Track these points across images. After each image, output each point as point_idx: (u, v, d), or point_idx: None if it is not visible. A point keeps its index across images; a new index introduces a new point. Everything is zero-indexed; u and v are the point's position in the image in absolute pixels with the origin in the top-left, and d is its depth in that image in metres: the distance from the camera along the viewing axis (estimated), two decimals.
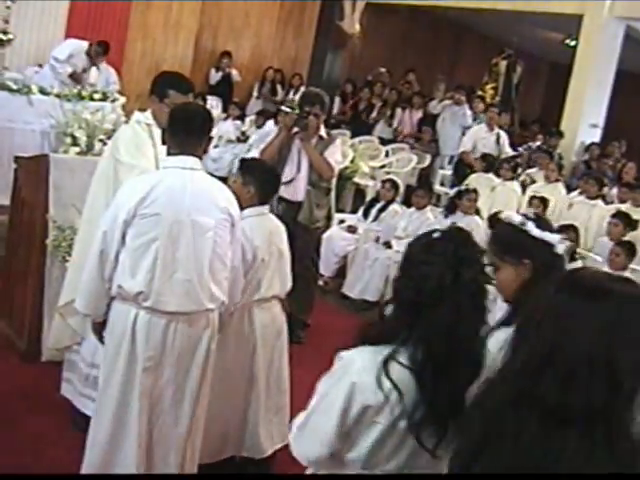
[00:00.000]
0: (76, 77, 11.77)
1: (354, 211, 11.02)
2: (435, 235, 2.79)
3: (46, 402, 5.57)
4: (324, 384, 2.75)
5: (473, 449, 2.02)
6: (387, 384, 2.61)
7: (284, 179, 6.93)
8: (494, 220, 8.69)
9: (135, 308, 4.19)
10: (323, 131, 7.31)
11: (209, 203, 4.28)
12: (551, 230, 3.32)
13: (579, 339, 1.84)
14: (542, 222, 3.36)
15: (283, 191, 6.96)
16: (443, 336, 2.62)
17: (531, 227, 3.24)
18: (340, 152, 7.62)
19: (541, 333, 1.92)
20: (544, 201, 10.21)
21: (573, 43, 16.70)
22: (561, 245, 3.25)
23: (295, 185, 7.26)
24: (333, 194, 7.88)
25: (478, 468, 1.97)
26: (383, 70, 17.45)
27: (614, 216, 9.52)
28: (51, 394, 5.56)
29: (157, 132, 5.04)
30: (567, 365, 1.83)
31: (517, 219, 3.30)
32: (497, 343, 2.70)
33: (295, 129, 7.14)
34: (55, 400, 5.49)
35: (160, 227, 4.12)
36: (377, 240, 9.91)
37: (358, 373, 2.65)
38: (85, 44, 12.24)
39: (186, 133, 4.27)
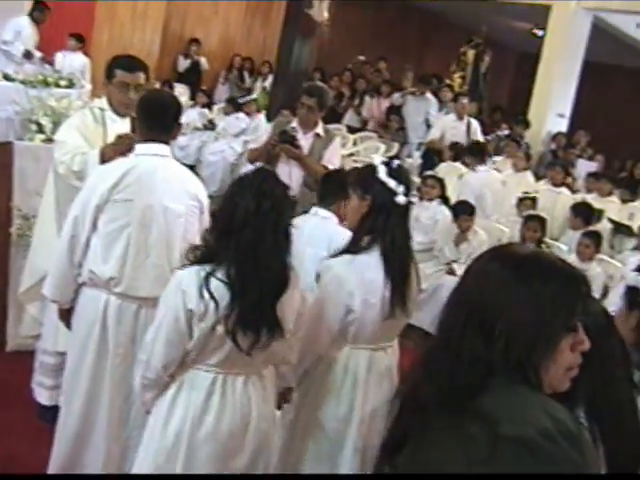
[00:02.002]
0: (28, 55, 11.81)
1: None
2: (245, 173, 3.44)
3: (11, 393, 5.51)
4: (164, 299, 3.33)
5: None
6: (207, 295, 3.17)
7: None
8: (458, 208, 8.83)
9: (106, 294, 4.22)
10: (321, 128, 7.00)
11: (179, 190, 4.30)
12: (402, 181, 3.76)
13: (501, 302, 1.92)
14: (399, 171, 3.81)
15: None
16: (248, 255, 3.20)
17: (382, 170, 3.74)
18: (338, 152, 7.34)
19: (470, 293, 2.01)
20: (534, 200, 10.23)
21: (541, 33, 16.76)
22: (402, 197, 3.71)
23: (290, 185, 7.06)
24: None
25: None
26: (363, 58, 17.37)
27: (573, 208, 9.56)
28: (15, 385, 5.50)
29: (110, 116, 5.13)
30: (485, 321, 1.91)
31: (377, 161, 3.86)
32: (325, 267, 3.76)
33: (282, 146, 6.89)
34: (20, 391, 5.42)
35: (133, 213, 4.16)
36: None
37: (186, 285, 3.22)
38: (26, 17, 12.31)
39: (157, 120, 4.28)
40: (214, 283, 3.19)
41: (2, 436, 5.06)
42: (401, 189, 3.73)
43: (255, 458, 3.49)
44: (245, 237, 3.20)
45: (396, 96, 15.29)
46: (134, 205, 4.14)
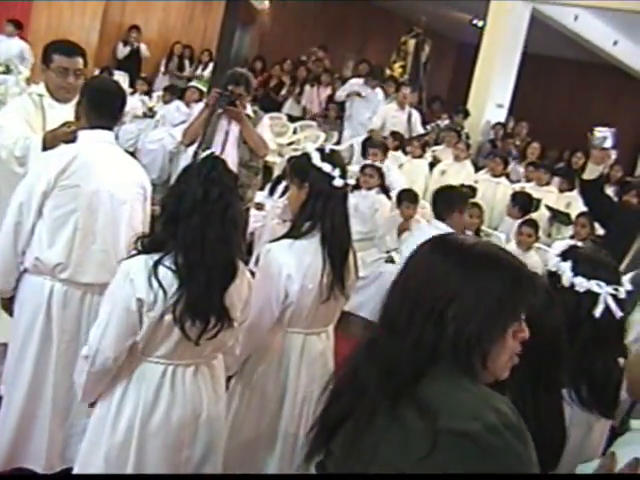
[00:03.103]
0: None
1: (261, 188, 10.99)
2: (194, 160, 3.48)
3: None
4: (112, 291, 3.26)
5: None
6: (155, 284, 3.13)
7: None
8: (401, 196, 8.87)
9: (50, 281, 4.18)
10: (249, 109, 7.11)
11: (124, 176, 4.31)
12: (337, 165, 3.83)
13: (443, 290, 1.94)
14: (332, 156, 3.89)
15: None
16: (196, 242, 3.18)
17: (316, 157, 3.82)
18: (268, 129, 7.47)
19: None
20: (473, 189, 10.31)
21: (481, 24, 16.87)
22: (338, 180, 3.79)
23: None
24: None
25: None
26: (316, 48, 17.29)
27: (512, 197, 9.64)
28: None
29: (48, 102, 5.08)
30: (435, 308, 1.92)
31: (310, 149, 3.94)
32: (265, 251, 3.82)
33: (220, 109, 6.94)
34: None
35: (79, 199, 4.14)
36: (284, 221, 9.88)
37: (134, 274, 3.17)
38: None
39: (106, 108, 4.27)
40: (162, 271, 3.16)
41: None
42: (337, 172, 3.81)
43: (208, 448, 3.50)
44: (192, 224, 3.19)
45: (341, 95, 15.17)
46: (81, 191, 4.12)
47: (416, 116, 13.82)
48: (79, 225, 4.15)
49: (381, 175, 9.61)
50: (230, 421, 3.97)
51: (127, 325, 3.19)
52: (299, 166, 3.93)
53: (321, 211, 3.79)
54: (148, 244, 3.29)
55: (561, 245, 3.15)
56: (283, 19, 18.25)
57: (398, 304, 2.03)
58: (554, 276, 3.04)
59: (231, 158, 6.88)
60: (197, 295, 3.18)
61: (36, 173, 4.14)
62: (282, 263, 3.75)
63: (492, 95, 14.94)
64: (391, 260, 8.77)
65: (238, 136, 6.99)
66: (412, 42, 15.95)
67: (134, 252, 3.29)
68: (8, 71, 8.88)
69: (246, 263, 6.97)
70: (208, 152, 3.49)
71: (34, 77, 9.52)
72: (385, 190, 9.59)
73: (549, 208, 9.97)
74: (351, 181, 4.12)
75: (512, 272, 1.96)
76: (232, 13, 13.86)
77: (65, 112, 5.06)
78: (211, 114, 6.93)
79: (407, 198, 9.00)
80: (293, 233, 3.84)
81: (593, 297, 3.00)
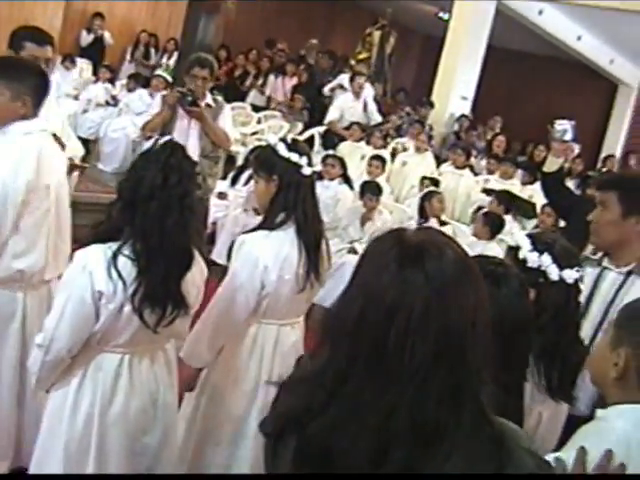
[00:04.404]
0: None
1: (224, 177, 10.96)
2: (152, 146, 3.33)
3: None
4: (66, 282, 3.20)
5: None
6: (115, 275, 3.08)
7: None
8: (364, 187, 8.89)
9: (22, 291, 4.08)
10: (209, 99, 7.07)
11: (64, 165, 4.26)
12: (303, 154, 3.82)
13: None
14: (297, 145, 3.88)
15: None
16: (154, 229, 3.12)
17: (282, 148, 3.79)
18: (230, 120, 7.44)
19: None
20: (435, 182, 10.33)
21: (446, 17, 16.91)
22: (307, 168, 3.79)
23: None
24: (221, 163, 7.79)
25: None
26: (315, 42, 17.22)
27: (484, 216, 9.39)
28: None
29: None
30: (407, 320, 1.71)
31: (272, 140, 3.90)
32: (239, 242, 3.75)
33: (186, 108, 6.89)
34: None
35: (50, 197, 4.01)
36: (247, 210, 9.87)
37: (92, 265, 3.10)
38: None
39: (44, 94, 4.09)
40: (121, 261, 3.11)
41: None
42: (304, 160, 3.81)
43: (165, 433, 3.51)
44: (151, 211, 3.13)
45: (325, 90, 15.08)
46: (50, 189, 4.00)
47: (372, 105, 13.81)
48: (51, 225, 4.05)
49: (343, 165, 9.63)
50: (201, 412, 3.97)
51: (82, 316, 3.13)
52: (265, 159, 3.89)
53: (293, 201, 3.77)
54: (104, 232, 3.23)
55: (520, 237, 3.16)
56: (248, 8, 18.19)
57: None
58: (534, 271, 3.02)
59: (192, 149, 6.89)
60: (155, 283, 3.15)
61: (7, 182, 3.82)
62: (258, 255, 3.72)
63: (456, 87, 14.99)
64: (354, 251, 8.78)
65: (199, 129, 6.95)
66: (377, 34, 15.97)
67: (88, 240, 3.23)
68: None
69: (208, 252, 6.97)
70: (167, 138, 3.45)
71: None
72: (347, 180, 9.61)
73: (515, 197, 9.96)
74: (317, 168, 4.14)
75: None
76: (197, 2, 13.84)
77: None
78: (172, 113, 6.89)
79: (370, 189, 9.02)
80: (267, 225, 3.81)
81: (577, 286, 3.07)
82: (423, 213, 8.89)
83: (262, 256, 3.72)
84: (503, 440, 1.75)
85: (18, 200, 3.82)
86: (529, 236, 3.13)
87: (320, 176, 9.65)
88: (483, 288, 1.80)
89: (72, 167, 5.07)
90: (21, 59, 4.37)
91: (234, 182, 10.39)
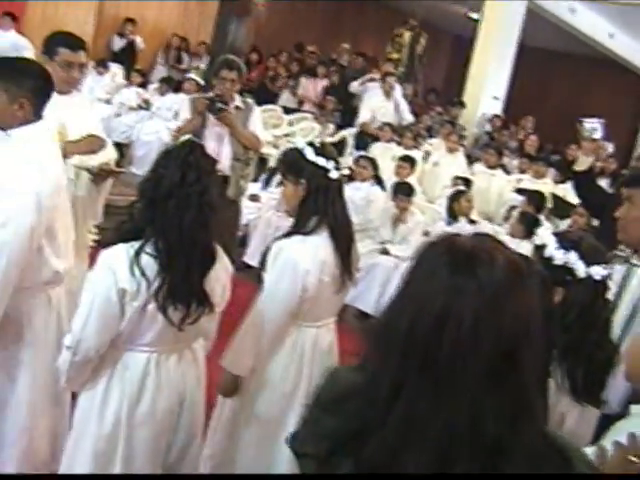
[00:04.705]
0: None
1: (256, 180, 11.00)
2: (174, 145, 3.42)
3: None
4: (91, 282, 3.22)
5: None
6: (138, 273, 3.12)
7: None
8: (397, 188, 8.88)
9: (53, 291, 4.06)
10: (239, 101, 7.08)
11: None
12: (330, 158, 3.84)
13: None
14: (324, 149, 3.90)
15: None
16: (174, 226, 3.16)
17: (309, 152, 3.81)
18: (260, 121, 7.46)
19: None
20: (467, 181, 10.28)
21: (476, 16, 16.86)
22: (334, 172, 3.80)
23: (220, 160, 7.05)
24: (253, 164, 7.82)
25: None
26: (346, 46, 17.21)
27: (520, 216, 9.41)
28: None
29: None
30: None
31: (300, 144, 3.91)
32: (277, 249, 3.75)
33: (215, 115, 6.91)
34: None
35: (61, 197, 3.96)
36: (278, 211, 9.89)
37: (116, 264, 3.14)
38: None
39: (46, 96, 3.93)
40: (144, 259, 3.15)
41: None
42: (331, 164, 3.82)
43: (191, 433, 3.56)
44: (169, 208, 3.18)
45: (354, 84, 15.16)
46: (61, 189, 3.96)
47: (403, 105, 13.82)
48: (67, 223, 4.06)
49: (375, 166, 9.63)
50: (239, 415, 4.00)
51: (108, 315, 3.18)
52: (292, 162, 3.91)
53: (323, 205, 3.81)
54: (127, 232, 3.27)
55: (545, 235, 3.14)
56: (279, 10, 18.22)
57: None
58: (561, 269, 3.00)
59: (226, 154, 6.96)
60: (177, 280, 3.19)
61: (38, 187, 3.67)
62: (297, 259, 3.75)
63: (488, 87, 14.96)
64: (385, 252, 8.79)
65: (230, 134, 6.99)
66: (408, 34, 15.96)
67: (112, 239, 3.28)
68: None
69: (241, 254, 6.99)
70: (187, 137, 3.51)
71: None
72: (379, 181, 9.61)
73: (555, 197, 9.89)
74: (345, 171, 4.14)
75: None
76: (227, 5, 13.86)
77: (65, 104, 5.04)
78: (202, 120, 6.91)
79: (402, 191, 9.01)
80: (300, 229, 3.83)
81: (605, 283, 3.03)
82: (452, 213, 8.87)
83: (302, 261, 3.74)
84: (564, 454, 1.73)
85: (49, 204, 3.75)
86: (555, 234, 3.11)
87: (352, 177, 9.68)
88: (535, 294, 1.77)
89: (108, 173, 5.11)
90: (22, 60, 4.18)
91: (266, 184, 10.44)
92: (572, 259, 2.97)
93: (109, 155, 5.27)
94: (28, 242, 3.63)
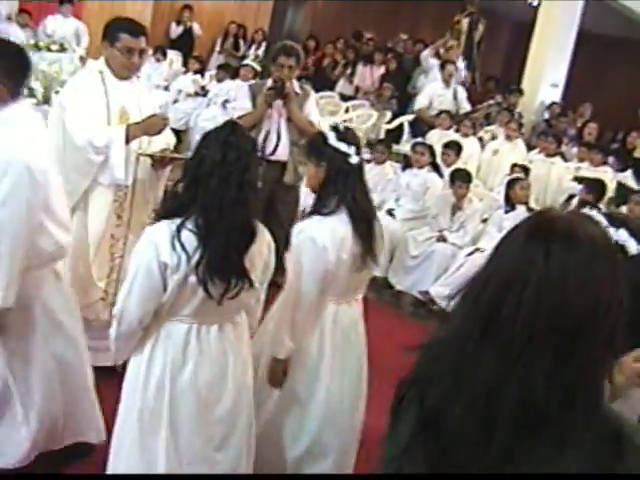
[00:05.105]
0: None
1: None
2: (214, 126, 3.53)
3: None
4: (136, 255, 3.41)
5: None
6: (178, 247, 3.27)
7: (270, 144, 6.98)
8: (454, 175, 8.84)
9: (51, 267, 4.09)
10: (297, 86, 7.13)
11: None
12: (352, 143, 4.00)
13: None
14: (347, 134, 4.04)
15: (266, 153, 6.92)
16: (215, 204, 3.31)
17: (332, 137, 3.97)
18: (316, 107, 7.48)
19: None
20: (525, 169, 10.19)
21: (536, 2, 16.69)
22: (355, 157, 3.96)
23: (278, 146, 7.10)
24: None
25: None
26: (405, 37, 17.16)
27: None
28: None
29: (110, 79, 5.01)
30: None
31: (326, 128, 4.13)
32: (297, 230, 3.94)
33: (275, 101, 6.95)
34: None
35: (53, 173, 3.93)
36: None
37: (158, 239, 3.31)
38: None
39: (18, 74, 3.79)
40: (185, 234, 3.30)
41: None
42: (352, 150, 3.98)
43: (238, 403, 3.67)
44: (211, 187, 3.32)
45: (425, 53, 15.23)
46: (52, 167, 3.94)
47: (462, 93, 13.77)
48: (63, 199, 4.06)
49: (432, 153, 9.58)
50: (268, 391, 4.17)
51: (150, 288, 3.34)
52: (315, 146, 4.09)
53: (342, 188, 3.97)
54: (171, 209, 3.46)
55: (594, 214, 3.14)
56: None
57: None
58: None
59: (284, 141, 7.05)
60: (217, 255, 3.33)
61: (38, 169, 3.70)
62: (316, 236, 3.90)
63: (547, 75, 14.82)
64: (443, 239, 8.75)
65: (287, 119, 7.04)
66: (465, 21, 15.80)
67: (156, 216, 3.54)
68: (63, 49, 8.93)
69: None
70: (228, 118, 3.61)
71: (89, 55, 9.60)
72: (436, 168, 9.55)
73: (622, 186, 9.74)
74: (366, 156, 4.26)
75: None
76: None
77: (127, 89, 5.09)
78: (268, 108, 6.93)
79: (460, 177, 8.96)
80: (319, 209, 4.02)
81: None
82: (509, 200, 8.78)
83: (320, 238, 3.90)
84: (619, 437, 1.70)
85: (42, 180, 3.72)
86: (604, 214, 3.09)
87: (409, 164, 9.65)
88: (617, 273, 1.77)
89: (169, 159, 5.15)
90: None
91: None
92: (623, 236, 2.95)
93: (168, 140, 5.33)
94: (27, 217, 3.67)
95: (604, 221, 2.99)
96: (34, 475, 4.26)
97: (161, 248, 3.30)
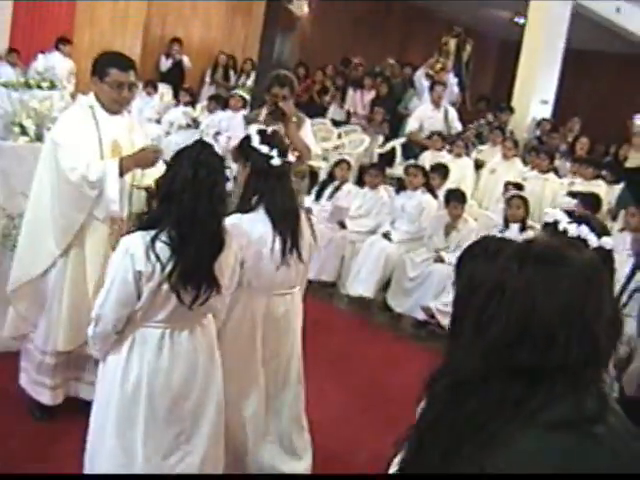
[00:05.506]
0: None
1: (308, 192, 11.02)
2: (185, 146, 3.82)
3: (1, 394, 5.49)
4: (112, 264, 3.70)
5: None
6: (153, 257, 3.56)
7: None
8: (449, 195, 8.85)
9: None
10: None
11: None
12: (275, 146, 4.36)
13: (552, 306, 1.82)
14: (270, 138, 4.42)
15: None
16: (187, 217, 3.61)
17: (255, 139, 4.35)
18: (311, 133, 7.48)
19: (512, 307, 1.86)
20: (519, 186, 10.22)
21: (522, 21, 16.77)
22: (276, 160, 4.31)
23: None
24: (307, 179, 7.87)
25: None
26: (392, 62, 17.19)
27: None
28: (5, 385, 5.48)
29: (100, 113, 5.01)
30: (546, 330, 1.81)
31: (252, 131, 4.46)
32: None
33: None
34: (10, 391, 5.39)
35: None
36: (330, 222, 9.92)
37: (133, 249, 3.59)
38: None
39: None
40: (159, 245, 3.58)
41: None
42: (274, 152, 4.34)
43: (205, 396, 3.96)
44: (184, 201, 3.61)
45: (418, 73, 15.36)
46: None
47: (452, 113, 13.81)
48: None
49: (425, 174, 9.60)
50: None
51: (125, 294, 3.63)
52: (243, 147, 4.45)
53: (262, 187, 4.35)
54: (146, 221, 3.79)
55: (556, 212, 3.34)
56: (323, 24, 18.30)
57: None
58: (575, 240, 3.15)
59: None
60: (189, 265, 3.63)
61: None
62: (234, 236, 4.08)
63: (536, 92, 14.87)
64: (440, 259, 8.76)
65: None
66: (453, 42, 15.89)
67: (133, 228, 3.84)
68: (53, 87, 8.93)
69: None
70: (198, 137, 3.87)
71: (78, 90, 9.63)
72: (431, 189, 9.58)
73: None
74: (291, 158, 4.54)
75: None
76: (272, 21, 13.94)
77: (118, 123, 5.10)
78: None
79: (455, 198, 8.98)
80: (241, 207, 4.38)
81: (611, 253, 3.24)
82: (506, 219, 8.77)
83: (239, 235, 4.18)
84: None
85: None
86: (564, 211, 3.36)
87: (403, 186, 9.67)
88: (594, 291, 1.87)
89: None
90: None
91: (317, 197, 10.45)
92: (584, 231, 3.20)
93: (162, 172, 5.33)
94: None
95: (566, 218, 3.26)
96: (34, 475, 4.44)
97: (136, 258, 3.58)
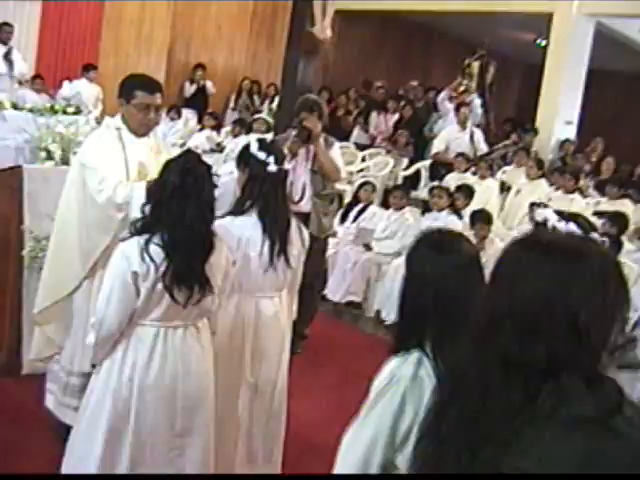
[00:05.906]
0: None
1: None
2: (174, 156, 4.06)
3: (27, 415, 5.54)
4: (110, 268, 3.90)
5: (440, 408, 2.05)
6: (147, 258, 3.78)
7: (295, 195, 6.99)
8: (475, 217, 8.83)
9: None
10: (321, 137, 7.10)
11: None
12: (272, 153, 4.56)
13: (538, 293, 1.90)
14: (268, 146, 4.67)
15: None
16: (177, 222, 3.82)
17: (254, 146, 4.56)
18: (340, 155, 7.50)
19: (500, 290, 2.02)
20: (545, 207, 10.17)
21: (544, 43, 16.76)
22: (272, 166, 4.51)
23: (303, 198, 7.14)
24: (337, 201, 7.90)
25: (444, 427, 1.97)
26: (415, 84, 17.23)
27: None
28: (32, 407, 5.52)
29: (127, 136, 5.02)
30: (527, 317, 1.88)
31: (252, 139, 4.78)
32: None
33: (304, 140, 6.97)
34: (36, 413, 5.43)
35: None
36: (356, 244, 9.92)
37: (129, 252, 3.82)
38: None
39: None
40: (152, 248, 3.80)
41: (15, 453, 5.11)
42: (271, 159, 4.53)
43: (199, 397, 4.11)
44: (173, 207, 3.83)
45: (441, 95, 15.45)
46: None
47: (479, 134, 13.82)
48: None
49: (450, 196, 9.60)
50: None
51: (126, 294, 3.83)
52: (242, 154, 4.67)
53: (257, 192, 4.53)
54: (140, 227, 3.92)
55: (546, 212, 3.40)
56: (346, 47, 18.36)
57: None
58: None
59: (306, 193, 7.12)
60: (181, 265, 3.84)
61: None
62: (224, 238, 4.23)
63: (560, 113, 14.83)
64: None
65: (310, 168, 7.04)
66: (476, 64, 15.88)
67: (128, 234, 3.96)
68: (78, 112, 9.01)
69: (318, 294, 7.37)
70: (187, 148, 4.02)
71: (104, 114, 9.71)
72: (456, 211, 9.56)
73: None
74: (288, 166, 4.85)
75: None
76: (294, 45, 13.96)
77: (144, 146, 5.12)
78: (292, 159, 6.93)
79: (481, 219, 8.97)
80: (234, 211, 4.57)
81: None
82: None
83: (230, 238, 4.36)
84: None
85: None
86: (554, 211, 3.35)
87: (428, 208, 9.66)
88: (590, 282, 1.89)
89: None
90: None
91: (343, 219, 10.46)
92: (572, 229, 3.18)
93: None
94: None
95: (555, 216, 3.27)
96: (34, 475, 4.55)
97: (132, 259, 3.80)
